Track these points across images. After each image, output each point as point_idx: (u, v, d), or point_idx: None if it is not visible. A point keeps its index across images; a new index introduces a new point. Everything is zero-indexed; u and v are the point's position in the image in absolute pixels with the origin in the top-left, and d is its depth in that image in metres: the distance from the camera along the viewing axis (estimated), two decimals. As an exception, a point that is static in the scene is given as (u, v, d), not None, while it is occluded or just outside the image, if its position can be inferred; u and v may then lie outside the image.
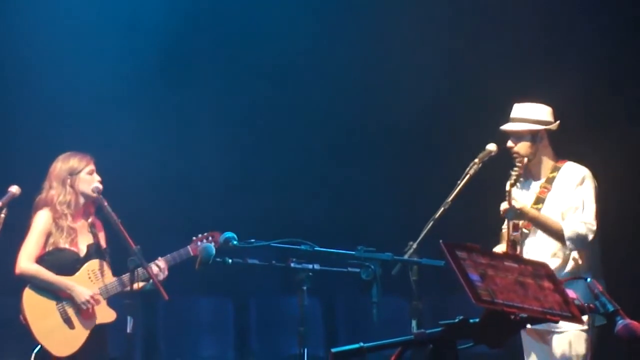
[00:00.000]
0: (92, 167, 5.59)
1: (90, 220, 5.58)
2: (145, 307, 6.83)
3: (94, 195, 5.49)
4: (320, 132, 7.55)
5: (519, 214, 5.05)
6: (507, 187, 5.09)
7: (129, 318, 5.23)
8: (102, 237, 5.61)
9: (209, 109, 7.55)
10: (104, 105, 7.16)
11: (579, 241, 5.01)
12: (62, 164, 5.56)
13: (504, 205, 5.08)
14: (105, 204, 5.44)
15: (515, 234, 5.14)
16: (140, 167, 7.05)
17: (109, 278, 5.49)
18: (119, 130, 6.99)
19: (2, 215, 5.36)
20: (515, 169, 5.13)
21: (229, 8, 7.40)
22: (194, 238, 5.65)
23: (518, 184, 5.25)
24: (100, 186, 5.53)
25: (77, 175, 5.53)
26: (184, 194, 7.39)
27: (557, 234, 5.03)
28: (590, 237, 5.03)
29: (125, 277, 5.36)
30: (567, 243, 5.01)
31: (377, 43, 7.37)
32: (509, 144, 5.22)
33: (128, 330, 5.21)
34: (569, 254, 5.08)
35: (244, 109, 7.54)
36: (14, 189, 5.51)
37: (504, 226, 5.46)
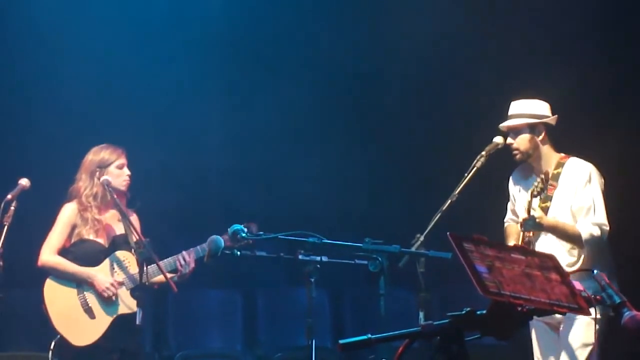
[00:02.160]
0: (122, 161, 5.58)
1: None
2: (154, 299, 6.87)
3: (122, 187, 5.50)
4: (327, 125, 7.57)
5: (537, 224, 5.05)
6: (529, 198, 5.09)
7: (138, 310, 5.24)
8: (137, 226, 5.48)
9: (219, 102, 7.57)
10: (121, 102, 7.19)
11: (595, 243, 5.06)
12: (93, 156, 5.57)
13: (523, 216, 5.08)
14: (115, 196, 5.44)
15: (529, 234, 5.16)
16: (150, 162, 7.06)
17: (134, 269, 5.43)
18: (129, 125, 7.01)
19: (12, 208, 5.39)
20: (538, 180, 5.13)
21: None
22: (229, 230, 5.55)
23: (523, 183, 5.28)
24: (110, 179, 5.50)
25: (106, 168, 5.53)
26: (192, 187, 7.41)
27: (574, 239, 5.06)
28: (605, 237, 5.08)
29: (151, 268, 5.31)
30: (585, 246, 5.04)
31: (387, 39, 7.40)
32: (509, 140, 5.23)
33: (137, 322, 5.22)
34: (582, 251, 5.10)
35: (251, 101, 7.55)
36: (24, 182, 5.53)
37: (506, 220, 5.47)
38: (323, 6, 7.48)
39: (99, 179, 5.51)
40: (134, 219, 5.57)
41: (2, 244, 5.30)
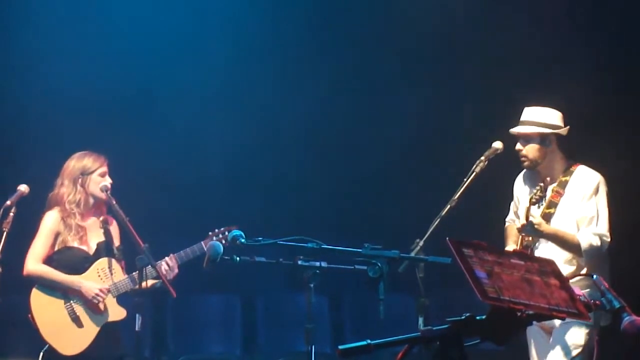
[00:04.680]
0: (104, 169, 5.58)
1: (102, 217, 5.59)
2: (153, 304, 6.87)
3: (103, 194, 5.50)
4: (326, 131, 7.57)
5: (536, 230, 5.05)
6: (527, 204, 5.09)
7: (137, 316, 5.24)
8: (115, 234, 5.57)
9: (216, 107, 7.57)
10: (114, 106, 7.19)
11: (595, 253, 5.05)
12: (75, 163, 5.57)
13: (521, 222, 5.08)
14: (114, 202, 5.45)
15: (528, 238, 5.15)
16: (149, 167, 7.07)
17: (119, 276, 5.49)
18: (128, 130, 7.01)
19: (12, 214, 5.38)
20: (537, 188, 5.12)
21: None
22: (210, 233, 5.58)
23: (529, 187, 5.28)
24: (109, 185, 5.53)
25: (89, 175, 5.54)
26: (191, 192, 7.41)
27: (573, 247, 5.04)
28: (605, 248, 5.07)
29: (135, 275, 5.35)
30: (584, 256, 5.04)
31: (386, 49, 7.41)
32: (518, 146, 5.22)
33: (137, 328, 5.21)
34: (580, 261, 5.09)
35: (249, 106, 7.55)
36: (23, 188, 5.53)
37: (508, 219, 5.47)
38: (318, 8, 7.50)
39: (82, 186, 5.51)
40: (114, 227, 5.58)
41: (2, 250, 5.30)
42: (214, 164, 7.48)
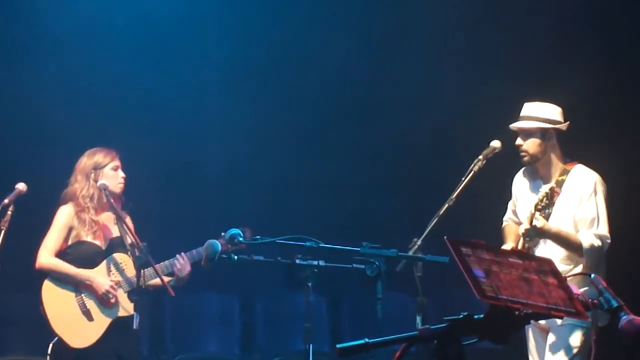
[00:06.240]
0: (116, 163, 5.62)
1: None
2: (152, 303, 6.87)
3: (117, 189, 5.53)
4: (324, 129, 7.57)
5: (540, 233, 5.05)
6: (532, 209, 5.07)
7: (135, 314, 5.25)
8: (132, 229, 5.50)
9: (215, 106, 7.58)
10: (118, 105, 7.20)
11: (595, 254, 5.05)
12: (87, 159, 5.62)
13: (524, 227, 5.08)
14: (112, 201, 5.46)
15: (530, 242, 5.15)
16: (147, 166, 7.06)
17: (131, 271, 5.46)
18: (128, 130, 7.01)
19: (9, 213, 5.39)
20: (542, 195, 5.10)
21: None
22: (223, 234, 5.58)
23: (527, 186, 5.27)
24: (107, 183, 5.53)
25: (101, 170, 5.58)
26: (189, 191, 7.41)
27: (574, 247, 5.04)
28: (606, 249, 5.08)
29: (148, 271, 5.33)
30: (585, 256, 5.04)
31: (388, 55, 7.41)
32: (518, 141, 5.20)
33: (134, 327, 5.23)
34: (579, 261, 5.09)
35: (247, 106, 7.55)
36: (21, 186, 5.55)
37: (505, 218, 5.47)
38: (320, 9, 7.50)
39: (95, 180, 5.54)
40: (128, 221, 5.58)
41: (0, 248, 5.30)
42: (212, 162, 7.48)
